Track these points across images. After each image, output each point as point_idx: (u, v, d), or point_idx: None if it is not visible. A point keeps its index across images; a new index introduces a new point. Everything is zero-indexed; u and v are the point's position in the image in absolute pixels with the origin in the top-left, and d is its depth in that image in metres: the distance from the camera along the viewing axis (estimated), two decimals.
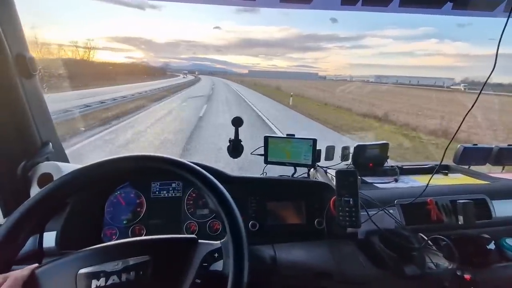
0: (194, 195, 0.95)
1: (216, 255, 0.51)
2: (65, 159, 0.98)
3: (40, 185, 0.78)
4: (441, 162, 0.84)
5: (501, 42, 0.66)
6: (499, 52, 0.67)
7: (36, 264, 0.47)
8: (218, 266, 0.50)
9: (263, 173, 1.12)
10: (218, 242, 0.53)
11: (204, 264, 0.50)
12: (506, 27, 0.65)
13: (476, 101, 0.72)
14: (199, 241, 0.53)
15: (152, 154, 0.55)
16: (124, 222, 0.90)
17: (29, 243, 0.66)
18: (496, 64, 0.67)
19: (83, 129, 5.67)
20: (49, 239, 0.74)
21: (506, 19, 0.66)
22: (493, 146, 1.29)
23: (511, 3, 0.72)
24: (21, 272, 0.44)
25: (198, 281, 0.48)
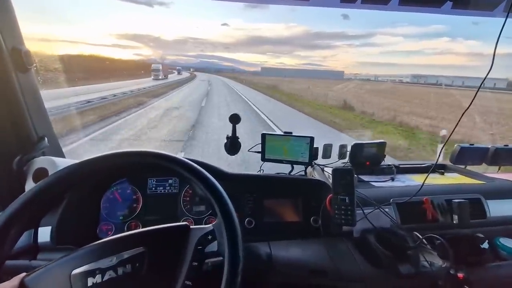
0: (190, 191, 0.95)
1: (209, 237, 0.52)
2: (61, 154, 0.97)
3: (35, 179, 0.78)
4: (437, 161, 0.84)
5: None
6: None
7: (24, 273, 0.46)
8: (213, 247, 0.51)
9: (260, 171, 1.12)
10: (210, 225, 0.54)
11: (199, 247, 0.51)
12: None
13: (473, 100, 0.73)
14: (191, 226, 0.54)
15: (145, 149, 0.55)
16: (120, 218, 0.90)
17: (25, 238, 0.66)
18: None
19: None
20: (45, 234, 0.74)
21: (504, 19, 0.66)
22: (490, 146, 1.29)
23: (510, 3, 0.72)
24: (10, 283, 0.43)
25: (195, 263, 0.49)
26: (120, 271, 0.45)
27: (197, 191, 0.94)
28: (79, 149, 4.79)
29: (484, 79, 0.70)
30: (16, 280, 0.44)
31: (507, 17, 0.63)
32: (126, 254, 0.47)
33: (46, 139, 0.86)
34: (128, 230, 0.89)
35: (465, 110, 0.74)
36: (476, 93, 0.73)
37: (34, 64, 0.80)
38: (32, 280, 0.46)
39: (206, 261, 0.51)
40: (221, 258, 0.49)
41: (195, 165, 0.54)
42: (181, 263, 0.48)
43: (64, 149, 1.00)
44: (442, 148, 0.80)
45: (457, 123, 0.76)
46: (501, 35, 0.67)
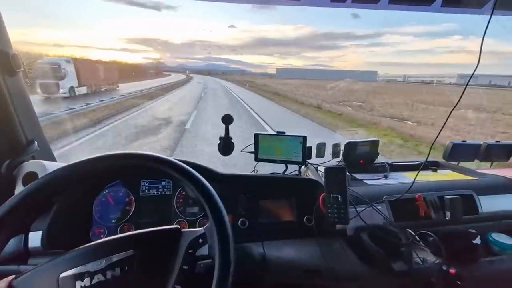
0: (183, 193, 0.95)
1: (200, 240, 0.52)
2: (52, 158, 0.96)
3: (25, 184, 0.77)
4: (427, 158, 0.85)
5: None
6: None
7: (13, 276, 0.46)
8: (204, 250, 0.51)
9: (254, 171, 1.12)
10: (202, 228, 0.54)
11: (189, 251, 0.50)
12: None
13: (461, 96, 0.73)
14: (182, 230, 0.54)
15: (134, 151, 0.54)
16: (113, 221, 0.89)
17: (15, 243, 0.65)
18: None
19: None
20: (36, 238, 0.73)
21: (492, 16, 0.66)
22: (482, 142, 1.30)
23: (496, 0, 0.73)
24: None
25: (186, 267, 0.48)
26: (109, 274, 0.45)
27: (189, 192, 0.93)
28: None
29: (471, 76, 0.71)
30: (4, 282, 0.44)
31: (491, 14, 0.64)
32: (115, 257, 0.46)
33: (36, 142, 0.85)
34: (121, 233, 0.88)
35: (453, 107, 0.75)
36: (464, 89, 0.74)
37: (22, 68, 0.79)
38: (20, 283, 0.45)
39: (198, 263, 0.51)
40: (211, 261, 0.48)
41: (187, 166, 0.54)
42: (172, 266, 0.48)
43: None
44: (432, 145, 0.80)
45: (446, 120, 0.76)
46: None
